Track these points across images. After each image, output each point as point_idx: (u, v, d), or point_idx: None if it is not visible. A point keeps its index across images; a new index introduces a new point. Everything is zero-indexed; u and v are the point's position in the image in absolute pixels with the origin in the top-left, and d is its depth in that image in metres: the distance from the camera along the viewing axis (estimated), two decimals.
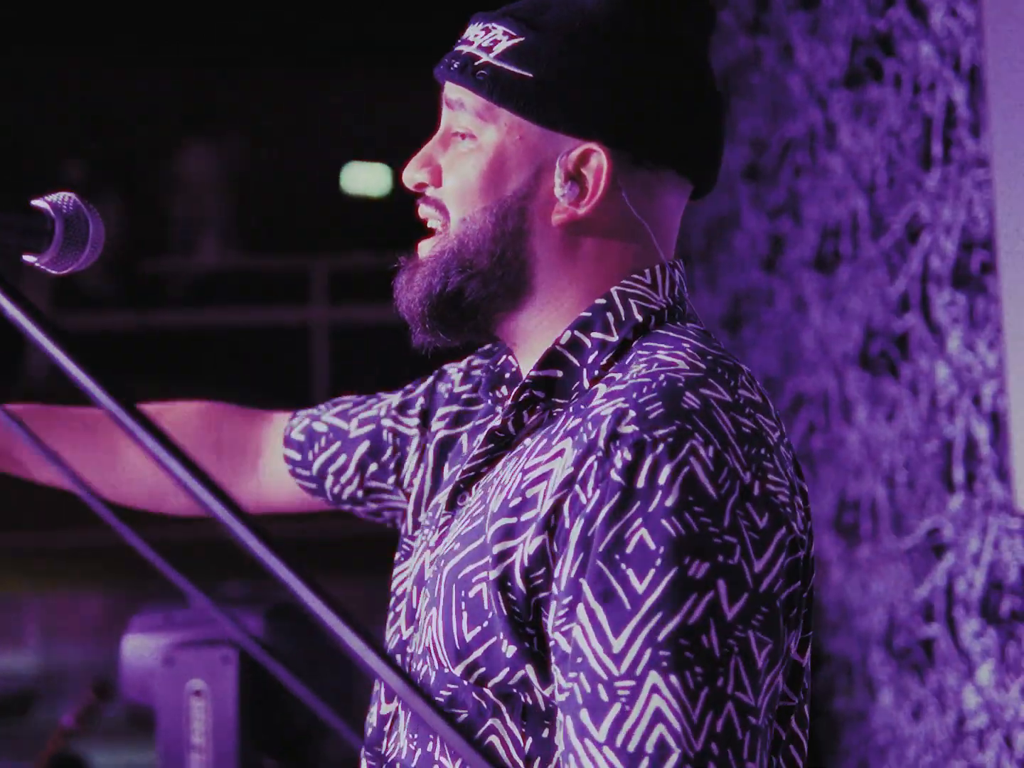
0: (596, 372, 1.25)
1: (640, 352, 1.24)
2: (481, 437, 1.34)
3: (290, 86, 9.49)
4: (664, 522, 1.12)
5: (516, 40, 1.27)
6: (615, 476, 1.14)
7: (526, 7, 1.29)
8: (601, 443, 1.16)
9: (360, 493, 1.55)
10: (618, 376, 1.23)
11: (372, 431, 1.53)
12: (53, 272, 1.19)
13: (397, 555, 1.45)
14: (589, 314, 1.27)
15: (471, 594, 1.21)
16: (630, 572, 1.12)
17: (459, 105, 1.29)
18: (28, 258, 1.16)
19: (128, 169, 8.46)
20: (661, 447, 1.14)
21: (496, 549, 1.20)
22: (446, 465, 1.45)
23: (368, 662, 0.88)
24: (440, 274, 1.29)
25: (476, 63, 1.28)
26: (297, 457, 1.57)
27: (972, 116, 2.86)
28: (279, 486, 1.61)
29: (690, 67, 1.29)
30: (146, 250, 8.55)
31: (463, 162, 1.29)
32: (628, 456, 1.14)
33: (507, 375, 1.38)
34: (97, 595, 6.09)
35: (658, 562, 1.11)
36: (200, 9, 8.48)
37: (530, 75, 1.26)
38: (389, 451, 1.52)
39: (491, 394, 1.38)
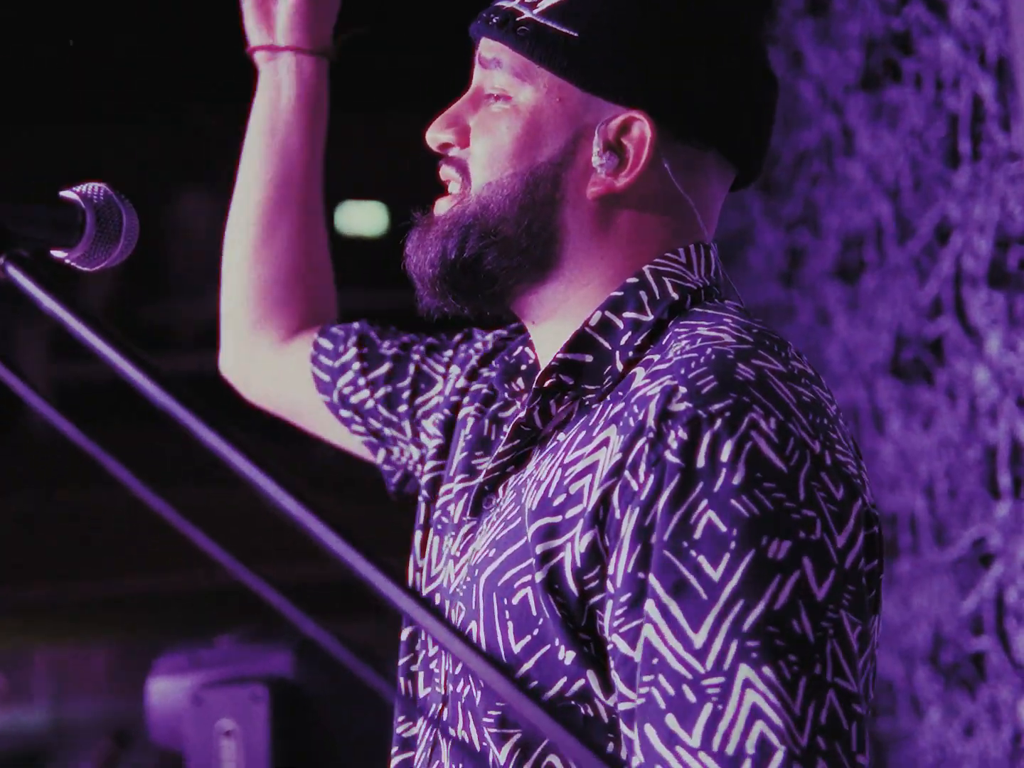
0: (630, 354, 1.16)
1: (678, 330, 1.15)
2: (501, 434, 1.25)
3: None
4: (733, 502, 1.03)
5: None
6: (671, 457, 1.05)
7: None
8: (651, 423, 1.06)
9: (369, 404, 1.46)
10: (656, 357, 1.14)
11: (399, 355, 1.46)
12: (84, 268, 1.10)
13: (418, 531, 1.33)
14: (621, 293, 1.18)
15: (515, 601, 1.11)
16: (701, 559, 1.02)
17: (495, 63, 1.21)
18: (57, 253, 1.08)
19: None
20: (719, 422, 1.05)
21: (539, 549, 1.10)
22: (453, 442, 1.34)
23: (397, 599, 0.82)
24: (457, 238, 1.20)
25: (518, 19, 1.19)
26: (328, 346, 1.51)
27: (1001, 110, 2.78)
28: (293, 369, 1.55)
29: (744, 45, 1.22)
30: (147, 297, 8.50)
31: (496, 123, 1.20)
32: (684, 435, 1.05)
33: (523, 367, 1.28)
34: (101, 648, 6.00)
35: (732, 545, 1.02)
36: (192, 56, 8.44)
37: (575, 34, 1.17)
38: (407, 381, 1.44)
39: (506, 386, 1.29)
